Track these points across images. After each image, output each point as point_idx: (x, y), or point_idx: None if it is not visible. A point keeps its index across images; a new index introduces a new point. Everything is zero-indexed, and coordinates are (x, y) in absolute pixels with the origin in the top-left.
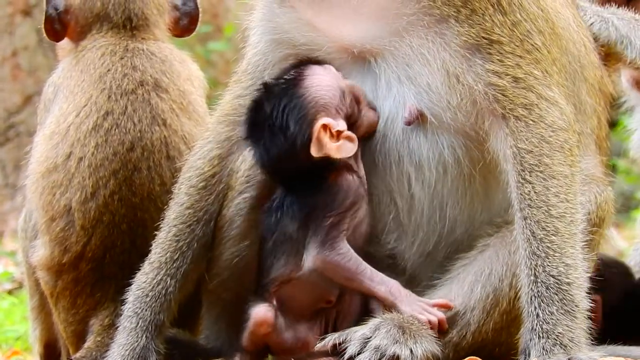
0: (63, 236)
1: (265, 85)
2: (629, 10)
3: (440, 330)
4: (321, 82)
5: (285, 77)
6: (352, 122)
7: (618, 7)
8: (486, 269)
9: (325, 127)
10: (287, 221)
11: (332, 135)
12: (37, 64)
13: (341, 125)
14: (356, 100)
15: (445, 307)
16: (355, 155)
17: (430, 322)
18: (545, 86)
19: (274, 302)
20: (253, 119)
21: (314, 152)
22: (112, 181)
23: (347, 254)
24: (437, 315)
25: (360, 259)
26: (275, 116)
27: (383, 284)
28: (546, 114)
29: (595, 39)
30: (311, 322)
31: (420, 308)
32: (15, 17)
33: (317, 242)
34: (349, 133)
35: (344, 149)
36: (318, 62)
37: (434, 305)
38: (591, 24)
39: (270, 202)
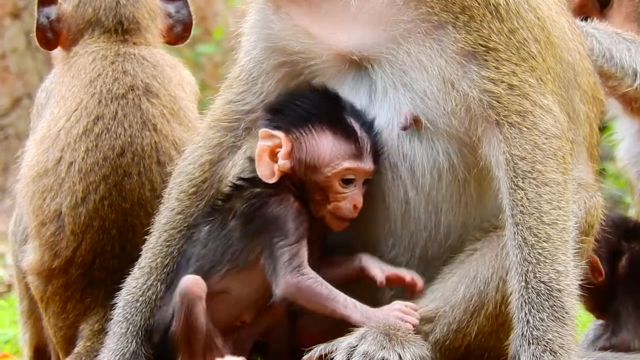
0: (53, 241)
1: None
2: (603, 21)
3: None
4: (327, 145)
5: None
6: (296, 182)
7: (592, 19)
8: (472, 271)
9: (278, 143)
10: (236, 231)
11: (272, 152)
12: (26, 66)
13: (283, 162)
14: (326, 188)
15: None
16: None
17: (410, 323)
18: (539, 94)
19: None
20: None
21: (260, 136)
22: (103, 186)
23: (317, 279)
24: (414, 317)
25: (330, 285)
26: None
27: (357, 310)
28: (540, 121)
29: None
30: (225, 338)
31: (400, 313)
32: (4, 19)
33: (284, 269)
34: (277, 169)
35: (262, 167)
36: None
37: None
38: None
39: (223, 201)
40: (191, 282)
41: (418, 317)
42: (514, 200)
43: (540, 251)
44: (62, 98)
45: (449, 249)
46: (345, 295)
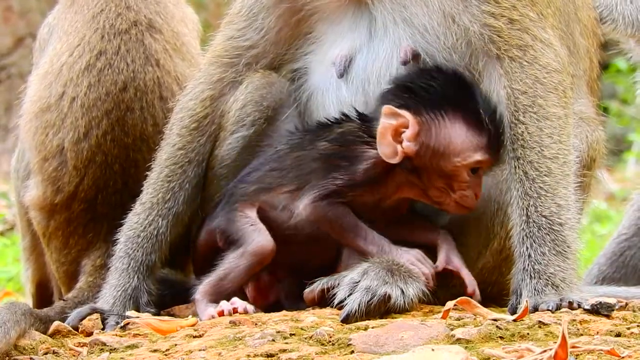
0: (56, 176)
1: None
2: None
3: (428, 283)
4: (461, 135)
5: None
6: (416, 166)
7: None
8: (479, 208)
9: (403, 123)
10: (315, 152)
11: (397, 132)
12: (29, 6)
13: (408, 144)
14: (452, 177)
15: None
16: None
17: (423, 273)
18: (540, 28)
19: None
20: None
21: (384, 112)
22: (105, 121)
23: (342, 213)
24: (428, 268)
25: (356, 219)
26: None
27: (374, 244)
28: (541, 56)
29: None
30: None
31: (413, 258)
32: None
33: (316, 193)
34: (401, 150)
35: (384, 146)
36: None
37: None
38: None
39: (308, 126)
40: (270, 248)
41: (431, 271)
42: (514, 135)
43: (541, 185)
44: (64, 33)
45: None
46: (369, 229)
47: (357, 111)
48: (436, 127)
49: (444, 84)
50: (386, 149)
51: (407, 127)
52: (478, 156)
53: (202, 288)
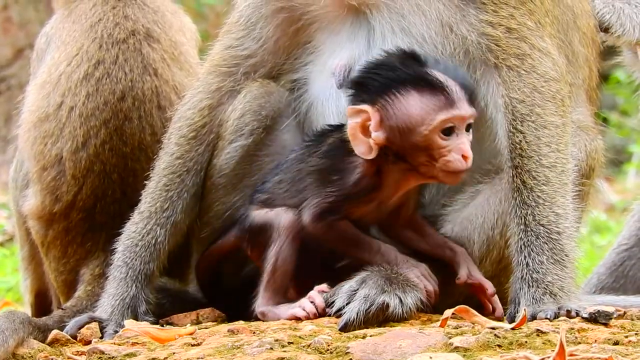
0: (54, 185)
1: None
2: None
3: (430, 299)
4: (416, 104)
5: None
6: (396, 152)
7: None
8: (480, 217)
9: (366, 117)
10: (307, 165)
11: (364, 127)
12: (29, 17)
13: (376, 134)
14: (428, 147)
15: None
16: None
17: (426, 290)
18: (538, 37)
19: None
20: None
21: (347, 115)
22: (103, 131)
23: (341, 230)
24: (432, 284)
25: (357, 233)
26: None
27: (380, 253)
28: (539, 64)
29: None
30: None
31: (418, 272)
32: None
33: (310, 211)
34: (372, 143)
35: (358, 144)
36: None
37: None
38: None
39: (315, 136)
40: (297, 220)
41: (435, 288)
42: (512, 144)
43: (539, 194)
44: (62, 43)
45: (447, 193)
46: (373, 239)
47: (337, 123)
48: (392, 107)
49: (386, 65)
50: (361, 148)
51: (371, 124)
52: (441, 116)
53: (261, 300)
